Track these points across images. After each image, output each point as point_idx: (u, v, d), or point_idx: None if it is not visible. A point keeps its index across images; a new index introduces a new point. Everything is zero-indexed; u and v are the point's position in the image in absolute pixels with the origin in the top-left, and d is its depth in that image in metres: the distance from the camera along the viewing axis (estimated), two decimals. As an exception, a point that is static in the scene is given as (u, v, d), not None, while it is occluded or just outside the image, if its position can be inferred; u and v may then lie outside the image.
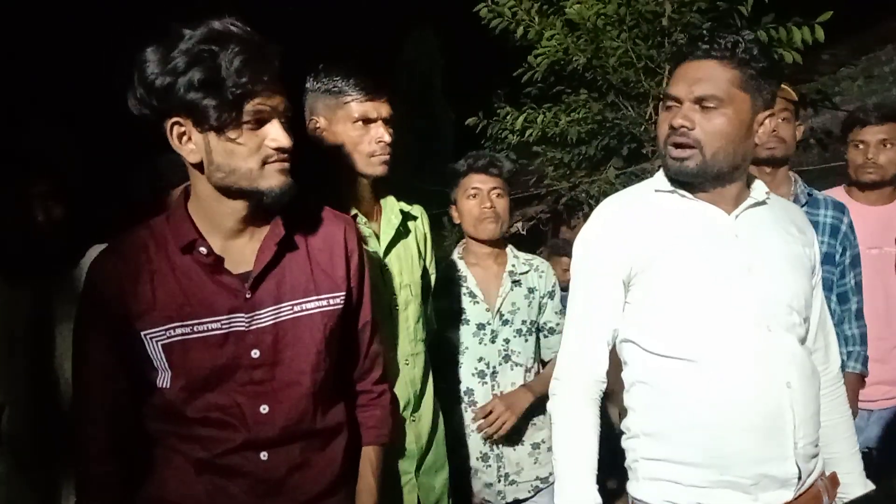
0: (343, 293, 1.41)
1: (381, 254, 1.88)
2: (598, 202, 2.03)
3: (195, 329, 1.28)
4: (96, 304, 1.31)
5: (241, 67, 1.19)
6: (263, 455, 1.32)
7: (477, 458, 2.22)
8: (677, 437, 1.45)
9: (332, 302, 1.39)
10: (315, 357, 1.36)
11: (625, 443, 1.56)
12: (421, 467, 1.91)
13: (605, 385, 1.58)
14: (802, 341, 1.51)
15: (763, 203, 1.56)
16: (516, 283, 2.31)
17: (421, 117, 14.42)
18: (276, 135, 1.26)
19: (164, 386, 1.30)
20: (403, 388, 1.86)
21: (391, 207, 1.94)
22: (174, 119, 1.24)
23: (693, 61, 1.49)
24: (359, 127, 1.78)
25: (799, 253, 1.55)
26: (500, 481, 2.22)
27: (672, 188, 1.55)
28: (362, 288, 1.49)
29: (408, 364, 1.89)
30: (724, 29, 3.70)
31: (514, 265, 2.33)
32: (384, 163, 1.81)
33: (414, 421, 1.89)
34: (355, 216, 1.83)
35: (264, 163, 1.26)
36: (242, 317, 1.30)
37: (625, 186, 1.71)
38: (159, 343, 1.28)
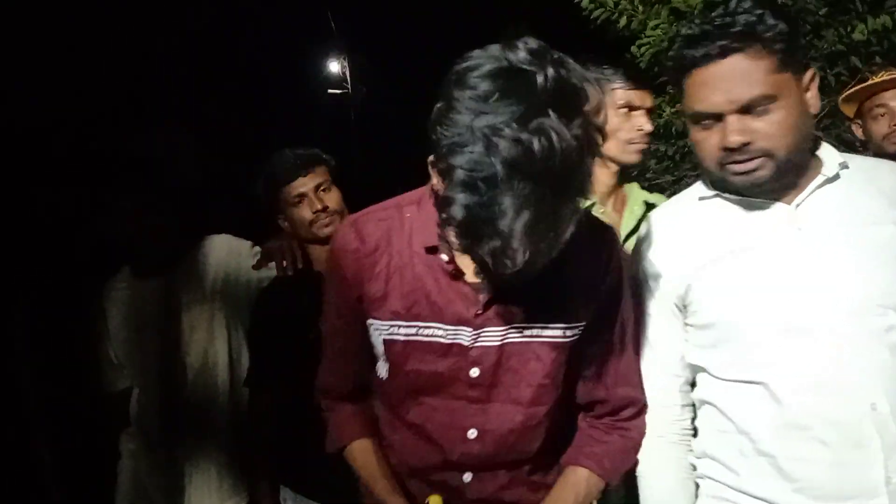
0: (583, 323, 1.28)
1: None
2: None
3: (420, 332, 1.23)
4: (336, 274, 1.30)
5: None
6: (466, 476, 1.28)
7: None
8: (741, 466, 1.30)
9: (567, 333, 1.26)
10: (536, 389, 1.26)
11: (692, 459, 1.44)
12: None
13: (686, 421, 1.42)
14: None
15: (836, 178, 1.29)
16: None
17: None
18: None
19: (382, 376, 1.30)
20: None
21: (636, 198, 1.96)
22: None
23: (712, 65, 1.24)
24: (621, 114, 1.86)
25: (891, 233, 1.26)
26: None
27: (715, 193, 1.35)
28: (610, 316, 1.32)
29: None
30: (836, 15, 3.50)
31: None
32: (640, 151, 1.89)
33: None
34: (593, 204, 1.89)
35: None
36: (468, 331, 1.22)
37: (731, 180, 1.61)
38: (382, 337, 1.26)
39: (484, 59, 0.98)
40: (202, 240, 2.17)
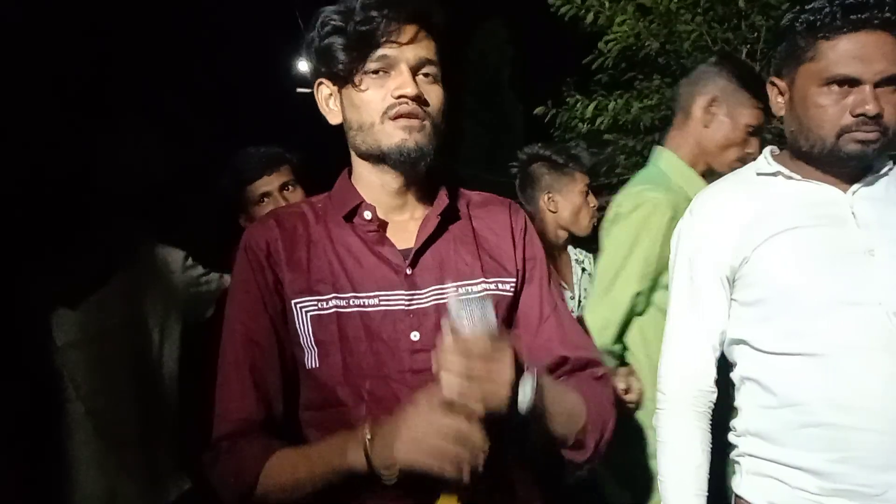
0: (513, 280, 1.25)
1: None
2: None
3: (351, 303, 1.17)
4: (248, 268, 1.22)
5: (369, 3, 1.11)
6: None
7: None
8: (788, 439, 1.32)
9: (500, 287, 1.23)
10: None
11: (731, 438, 1.45)
12: None
13: (714, 395, 1.44)
14: None
15: (886, 174, 1.36)
16: (584, 269, 2.42)
17: (490, 108, 14.39)
18: (399, 82, 1.13)
19: (313, 365, 1.17)
20: None
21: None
22: (320, 79, 1.23)
23: (867, 33, 1.26)
24: (743, 132, 1.84)
25: None
26: None
27: (776, 170, 1.39)
28: (535, 280, 1.30)
29: None
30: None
31: (575, 255, 2.43)
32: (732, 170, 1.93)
33: None
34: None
35: (386, 116, 1.14)
36: (402, 295, 1.18)
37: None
38: (309, 314, 1.17)
39: None
40: (137, 250, 2.10)
